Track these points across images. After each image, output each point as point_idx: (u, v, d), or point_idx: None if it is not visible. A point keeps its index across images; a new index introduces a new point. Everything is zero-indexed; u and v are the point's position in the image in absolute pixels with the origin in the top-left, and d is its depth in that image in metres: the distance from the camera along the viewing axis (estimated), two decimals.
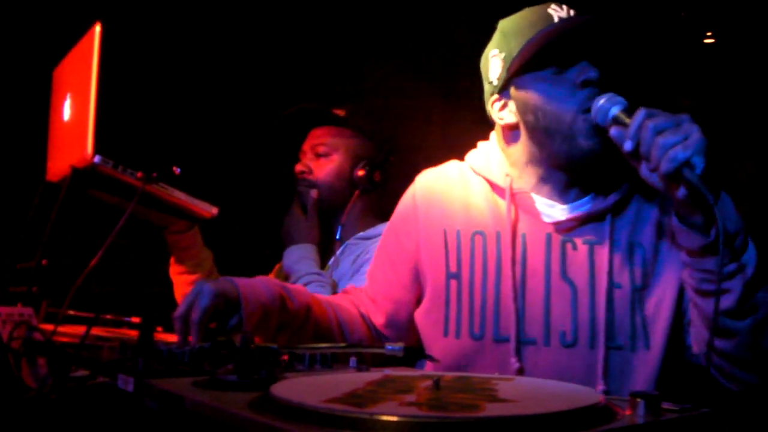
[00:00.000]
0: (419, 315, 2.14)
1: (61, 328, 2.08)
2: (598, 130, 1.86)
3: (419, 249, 2.14)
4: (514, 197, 2.04)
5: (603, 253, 1.93)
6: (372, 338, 2.22)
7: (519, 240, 2.01)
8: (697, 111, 4.45)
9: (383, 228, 2.76)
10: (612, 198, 1.96)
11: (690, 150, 1.63)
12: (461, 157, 2.22)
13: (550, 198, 2.02)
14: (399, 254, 2.20)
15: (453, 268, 2.05)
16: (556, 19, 1.96)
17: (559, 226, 1.98)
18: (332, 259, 2.87)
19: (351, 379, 1.39)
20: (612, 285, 1.91)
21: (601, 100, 1.82)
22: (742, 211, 1.89)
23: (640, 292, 1.90)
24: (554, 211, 2.01)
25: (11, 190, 3.31)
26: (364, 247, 2.79)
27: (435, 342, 2.07)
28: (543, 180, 2.02)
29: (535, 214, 2.01)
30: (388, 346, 1.72)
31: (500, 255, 2.00)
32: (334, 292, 2.67)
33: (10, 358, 1.80)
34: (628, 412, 1.19)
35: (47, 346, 1.80)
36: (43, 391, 1.72)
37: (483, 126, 2.17)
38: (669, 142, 1.64)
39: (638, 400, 1.19)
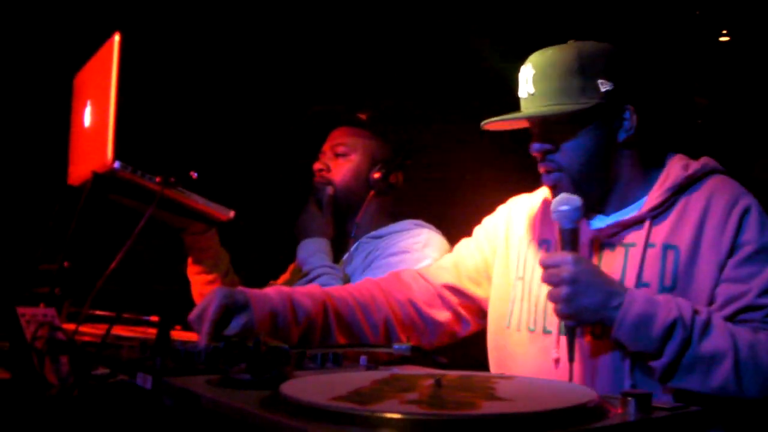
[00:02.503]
0: (490, 308, 2.32)
1: (82, 328, 2.14)
2: None
3: (495, 256, 2.34)
4: None
5: (636, 254, 2.04)
6: (399, 316, 2.33)
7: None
8: (713, 109, 4.47)
9: (395, 227, 2.84)
10: (649, 204, 2.08)
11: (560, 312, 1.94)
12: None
13: (597, 211, 2.18)
14: (474, 252, 2.40)
15: (520, 272, 2.24)
16: (519, 85, 2.15)
17: (602, 233, 2.11)
18: (346, 255, 2.92)
19: (359, 377, 1.45)
20: (639, 283, 2.01)
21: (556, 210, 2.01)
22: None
23: (668, 291, 1.98)
24: (598, 221, 2.17)
25: (34, 194, 3.37)
26: (374, 245, 2.85)
27: (498, 332, 2.26)
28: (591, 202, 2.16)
29: (587, 224, 2.14)
30: (396, 345, 1.78)
31: None
32: None
33: (33, 356, 1.85)
34: (619, 411, 1.24)
35: (69, 345, 1.85)
36: (66, 389, 1.77)
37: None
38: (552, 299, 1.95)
39: (629, 398, 1.24)
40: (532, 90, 2.10)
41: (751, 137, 4.45)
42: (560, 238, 2.00)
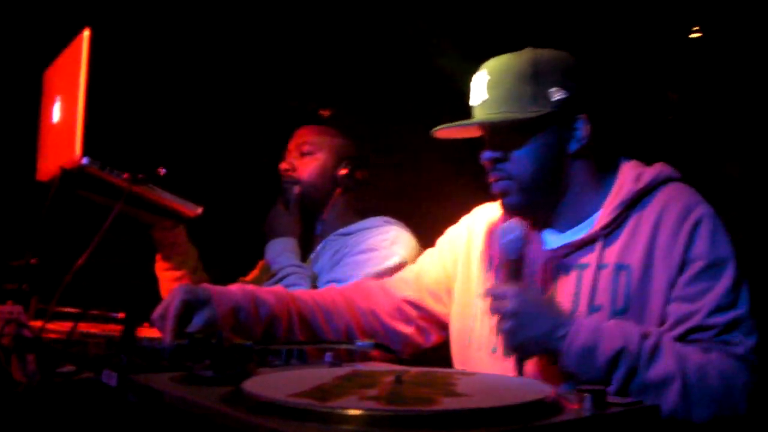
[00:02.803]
0: (451, 324, 2.29)
1: (49, 325, 2.14)
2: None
3: (456, 270, 2.30)
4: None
5: (589, 276, 2.00)
6: (360, 324, 2.32)
7: (526, 266, 2.09)
8: (685, 105, 4.49)
9: (363, 224, 2.85)
10: (600, 222, 2.03)
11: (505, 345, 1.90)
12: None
13: (553, 228, 2.14)
14: (436, 266, 2.37)
15: (480, 290, 2.18)
16: (472, 92, 2.13)
17: (555, 253, 2.08)
18: (313, 254, 2.93)
19: (320, 374, 1.46)
20: (591, 308, 1.97)
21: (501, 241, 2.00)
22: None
23: (621, 314, 1.93)
24: (553, 239, 2.12)
25: (1, 190, 3.35)
26: (342, 243, 2.85)
27: (461, 349, 2.24)
28: (539, 219, 2.15)
29: (540, 243, 2.12)
30: (358, 342, 1.80)
31: None
32: (314, 284, 2.74)
33: (0, 354, 1.85)
34: (575, 406, 1.26)
35: (36, 343, 1.86)
36: (32, 386, 1.78)
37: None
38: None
39: (585, 394, 1.26)
40: (485, 95, 2.07)
41: (723, 133, 4.48)
42: (506, 268, 1.99)
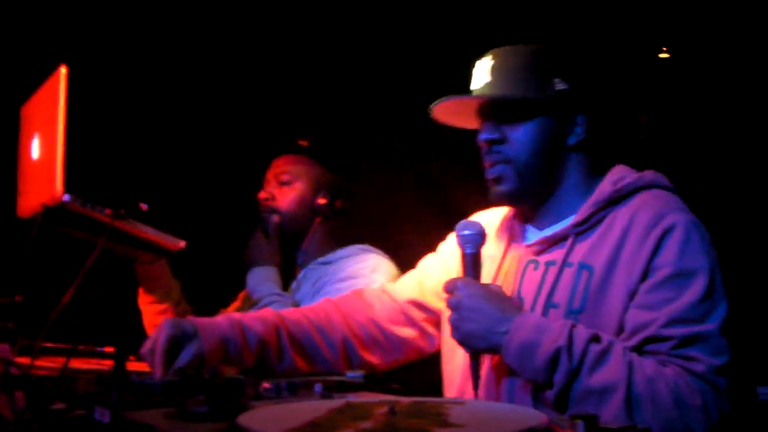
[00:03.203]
0: (442, 322, 2.30)
1: (37, 361, 2.14)
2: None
3: (456, 271, 2.27)
4: (508, 224, 2.23)
5: (552, 273, 2.02)
6: (358, 335, 2.33)
7: (506, 263, 2.15)
8: (654, 126, 4.55)
9: (342, 253, 2.86)
10: (571, 221, 2.05)
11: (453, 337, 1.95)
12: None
13: (536, 225, 2.17)
14: (437, 267, 2.39)
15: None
16: (473, 78, 2.15)
17: (529, 249, 2.11)
18: (294, 283, 2.94)
19: (314, 407, 1.47)
20: (549, 304, 1.98)
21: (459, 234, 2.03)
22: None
23: (576, 315, 1.92)
24: (533, 235, 2.16)
25: None
26: (322, 271, 2.88)
27: (448, 349, 2.25)
28: (527, 212, 2.19)
29: (523, 239, 2.16)
30: (349, 373, 1.81)
31: (492, 276, 2.15)
32: None
33: None
34: None
35: (24, 380, 1.85)
36: (22, 424, 1.77)
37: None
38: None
39: (577, 421, 1.27)
40: (488, 78, 2.09)
41: (693, 152, 4.52)
42: (462, 262, 2.01)
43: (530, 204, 2.15)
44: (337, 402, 1.55)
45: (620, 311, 1.89)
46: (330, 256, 2.91)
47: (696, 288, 1.84)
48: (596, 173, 2.13)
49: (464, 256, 2.00)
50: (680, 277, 1.86)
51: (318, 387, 1.72)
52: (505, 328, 1.85)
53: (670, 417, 1.73)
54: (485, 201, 2.29)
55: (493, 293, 1.94)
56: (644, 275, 1.89)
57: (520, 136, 2.06)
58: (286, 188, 2.96)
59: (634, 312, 1.87)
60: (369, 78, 4.13)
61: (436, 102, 2.12)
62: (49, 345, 2.32)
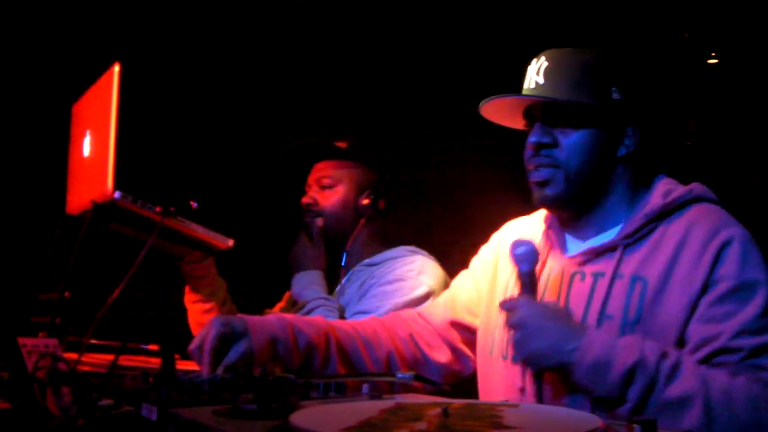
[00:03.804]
0: (478, 334, 2.28)
1: (83, 358, 2.14)
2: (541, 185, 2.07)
3: (488, 283, 2.30)
4: (546, 234, 2.18)
5: (603, 285, 1.98)
6: (402, 352, 2.31)
7: (545, 273, 2.11)
8: (703, 131, 4.49)
9: (389, 254, 2.84)
10: (623, 232, 2.01)
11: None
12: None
13: (576, 235, 2.13)
14: (469, 286, 2.37)
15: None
16: (526, 78, 2.10)
17: (574, 260, 2.07)
18: (339, 286, 2.93)
19: (365, 407, 1.45)
20: (603, 316, 1.95)
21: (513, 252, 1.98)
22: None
23: (632, 326, 1.90)
24: (574, 245, 2.12)
25: (33, 223, 3.37)
26: (369, 273, 2.85)
27: (483, 361, 2.23)
28: (567, 220, 2.15)
29: (563, 250, 2.12)
30: (399, 374, 1.79)
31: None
32: (341, 316, 2.74)
33: (35, 387, 1.85)
34: None
35: (72, 376, 1.85)
36: (68, 420, 1.77)
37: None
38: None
39: (635, 425, 1.25)
40: (541, 81, 2.04)
41: (741, 158, 4.48)
42: (518, 280, 1.96)
43: (574, 211, 2.11)
44: (387, 402, 1.53)
45: (679, 323, 1.87)
46: (376, 258, 2.89)
47: (759, 300, 1.84)
48: (640, 184, 2.10)
49: (520, 274, 1.95)
50: (742, 290, 1.85)
51: (366, 387, 1.70)
52: (574, 345, 1.81)
53: (748, 425, 1.73)
54: (526, 202, 2.27)
55: (556, 311, 1.92)
56: (704, 288, 1.87)
57: (573, 141, 2.02)
58: (328, 192, 2.93)
59: (697, 326, 1.85)
60: (411, 78, 4.12)
61: (489, 99, 2.08)
62: (96, 342, 2.33)
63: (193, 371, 1.94)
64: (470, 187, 3.78)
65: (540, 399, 1.90)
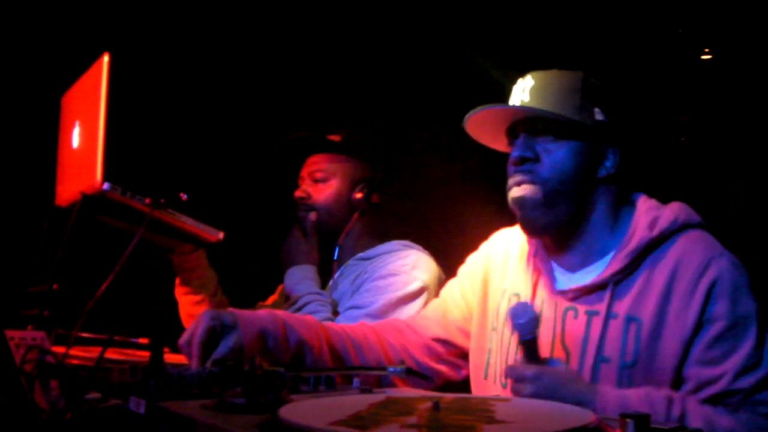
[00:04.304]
0: (470, 357, 2.29)
1: (72, 351, 2.13)
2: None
3: (475, 301, 2.30)
4: (533, 261, 2.16)
5: (597, 325, 1.97)
6: (391, 358, 2.29)
7: (537, 304, 2.09)
8: (695, 127, 4.49)
9: (382, 248, 2.83)
10: (612, 268, 1.99)
11: None
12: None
13: (562, 264, 2.11)
14: (459, 301, 2.36)
15: (495, 323, 2.19)
16: (511, 97, 2.11)
17: (565, 295, 2.06)
18: (332, 280, 2.91)
19: (355, 401, 1.44)
20: (599, 359, 1.95)
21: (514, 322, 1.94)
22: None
23: (630, 368, 1.91)
24: (564, 278, 2.10)
25: (21, 215, 3.35)
26: (362, 268, 2.84)
27: (477, 383, 2.24)
28: (550, 246, 2.13)
29: (552, 280, 2.10)
30: (390, 368, 1.78)
31: None
32: (334, 311, 2.73)
33: (23, 380, 1.84)
34: (618, 431, 1.24)
35: (60, 369, 1.84)
36: (56, 413, 1.76)
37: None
38: None
39: (628, 420, 1.23)
40: (527, 99, 2.04)
41: (734, 154, 4.47)
42: (521, 348, 1.94)
43: (555, 233, 2.08)
44: (377, 396, 1.52)
45: (674, 363, 1.89)
46: (369, 252, 2.87)
47: (752, 334, 1.86)
48: (621, 204, 2.10)
49: (522, 343, 1.93)
50: (736, 328, 1.87)
51: (356, 381, 1.69)
52: (590, 407, 1.76)
53: None
54: None
55: (564, 377, 1.89)
56: (697, 329, 1.88)
57: (555, 159, 2.01)
58: (321, 185, 2.92)
59: (696, 369, 1.87)
60: (410, 73, 4.11)
61: (475, 110, 2.07)
62: (85, 335, 2.31)
63: (182, 365, 1.93)
64: (467, 183, 3.78)
65: None
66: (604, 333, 1.96)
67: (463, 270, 2.41)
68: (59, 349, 2.07)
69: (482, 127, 2.13)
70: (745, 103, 4.41)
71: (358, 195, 2.88)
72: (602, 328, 1.96)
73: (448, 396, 1.52)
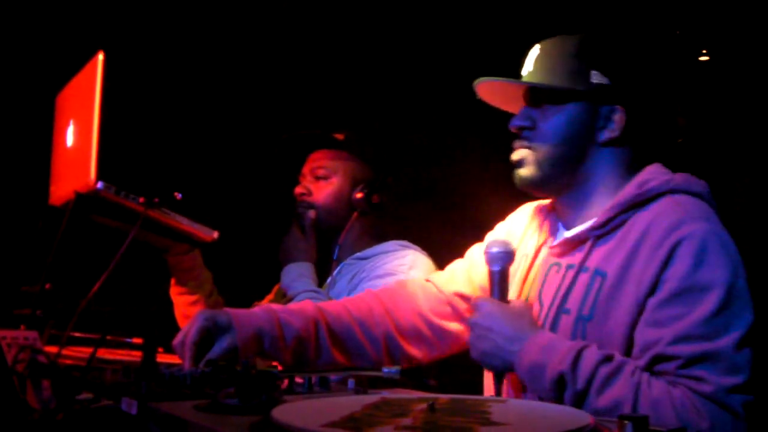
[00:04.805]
0: None
1: (64, 351, 2.11)
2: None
3: None
4: (544, 223, 2.16)
5: (569, 277, 1.95)
6: (402, 328, 2.27)
7: (536, 264, 2.10)
8: (692, 129, 4.48)
9: (380, 248, 2.82)
10: (594, 222, 1.97)
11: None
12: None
13: (564, 222, 2.11)
14: (481, 266, 2.24)
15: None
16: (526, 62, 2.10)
17: (553, 250, 2.06)
18: (329, 278, 2.90)
19: (349, 402, 1.42)
20: (561, 310, 1.93)
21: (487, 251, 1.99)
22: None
23: (585, 322, 1.87)
24: (559, 234, 2.10)
25: (14, 214, 3.34)
26: (359, 267, 2.83)
27: None
28: (558, 209, 2.13)
29: (553, 238, 2.11)
30: (385, 369, 1.76)
31: (519, 276, 2.12)
32: None
33: (14, 380, 1.82)
34: None
35: (52, 369, 1.83)
36: (48, 413, 1.75)
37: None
38: None
39: (626, 422, 1.22)
40: (531, 68, 2.05)
41: (732, 156, 4.46)
42: (489, 279, 1.96)
43: (554, 194, 2.09)
44: (372, 397, 1.50)
45: (627, 322, 1.81)
46: (367, 251, 2.86)
47: (708, 303, 1.73)
48: (632, 172, 2.03)
49: (490, 273, 1.96)
50: (691, 292, 1.75)
51: (351, 382, 1.68)
52: (516, 347, 1.82)
53: None
54: (523, 201, 2.27)
55: (510, 311, 1.90)
56: (653, 288, 1.79)
57: (548, 125, 2.01)
58: (322, 183, 2.91)
59: (643, 328, 1.78)
60: (412, 75, 4.10)
61: (478, 81, 2.09)
62: (78, 335, 2.30)
63: (175, 365, 1.91)
64: (469, 185, 3.76)
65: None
66: (572, 285, 1.94)
67: (489, 236, 2.37)
68: (51, 349, 2.06)
69: (495, 97, 2.16)
70: (744, 105, 4.41)
71: (359, 195, 2.87)
72: (572, 280, 1.94)
73: (444, 397, 1.50)
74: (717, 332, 1.71)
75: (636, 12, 4.14)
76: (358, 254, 2.87)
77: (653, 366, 1.74)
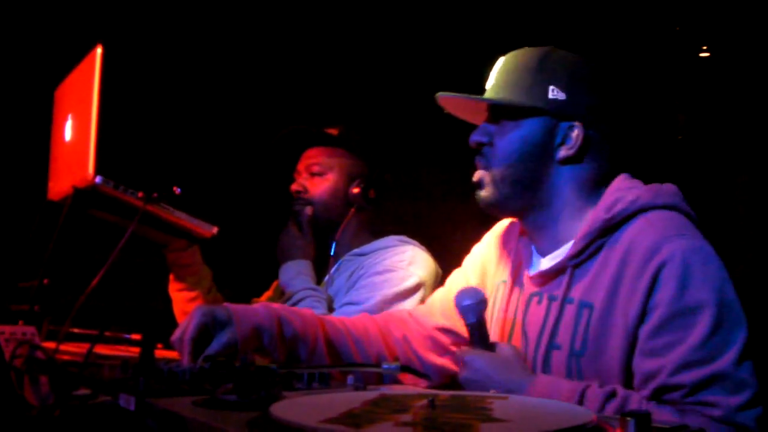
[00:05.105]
0: None
1: (62, 346, 2.10)
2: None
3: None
4: (517, 248, 2.12)
5: (554, 309, 1.91)
6: (394, 352, 2.26)
7: (515, 293, 2.07)
8: (693, 125, 4.47)
9: (379, 244, 2.80)
10: (569, 252, 1.92)
11: None
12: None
13: (538, 249, 2.05)
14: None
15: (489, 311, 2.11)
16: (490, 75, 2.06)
17: (533, 280, 2.01)
18: (327, 276, 2.89)
19: (348, 398, 1.41)
20: (551, 345, 1.90)
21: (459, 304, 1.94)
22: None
23: (578, 358, 1.84)
24: (536, 260, 2.05)
25: (12, 209, 3.33)
26: (358, 263, 2.81)
27: None
28: (528, 230, 2.07)
29: (529, 265, 2.06)
30: (384, 365, 1.75)
31: (499, 305, 2.10)
32: (330, 307, 2.71)
33: (12, 376, 1.82)
34: (618, 431, 1.21)
35: (50, 365, 1.82)
36: (46, 409, 1.74)
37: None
38: None
39: (629, 419, 1.21)
40: (492, 81, 2.01)
41: (732, 152, 4.45)
42: (467, 331, 1.93)
43: (519, 216, 2.04)
44: (371, 393, 1.49)
45: (621, 354, 1.78)
46: (366, 247, 2.85)
47: (701, 326, 1.70)
48: (598, 187, 1.98)
49: (467, 325, 1.92)
50: (683, 316, 1.71)
51: (350, 379, 1.66)
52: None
53: None
54: None
55: (499, 362, 1.86)
56: (642, 316, 1.76)
57: (504, 141, 1.96)
58: (317, 179, 2.89)
59: (640, 359, 1.75)
60: (404, 68, 4.09)
61: (438, 95, 2.06)
62: (76, 330, 2.29)
63: (174, 361, 1.90)
64: (467, 182, 3.76)
65: None
66: (559, 318, 1.89)
67: (467, 259, 2.35)
68: (49, 345, 2.04)
69: (457, 109, 2.12)
70: (744, 102, 4.40)
71: (355, 190, 2.85)
72: (558, 313, 1.90)
73: (444, 393, 1.49)
74: (716, 353, 1.68)
75: (636, 9, 4.14)
76: (356, 250, 2.86)
77: (658, 396, 1.72)
